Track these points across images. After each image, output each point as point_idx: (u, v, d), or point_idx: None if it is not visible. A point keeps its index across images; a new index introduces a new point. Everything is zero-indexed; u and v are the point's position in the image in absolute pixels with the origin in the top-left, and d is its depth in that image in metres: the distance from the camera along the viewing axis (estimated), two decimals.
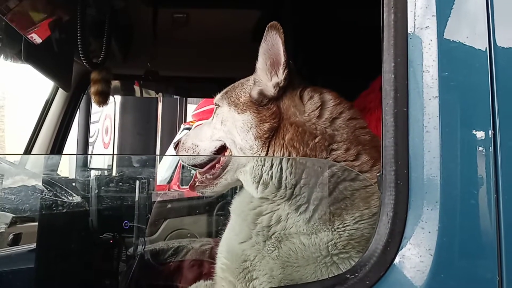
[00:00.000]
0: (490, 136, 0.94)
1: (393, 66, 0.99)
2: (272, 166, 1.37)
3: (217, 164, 1.51)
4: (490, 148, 0.94)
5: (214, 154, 1.52)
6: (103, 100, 2.59)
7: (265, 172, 1.38)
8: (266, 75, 1.47)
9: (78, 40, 2.05)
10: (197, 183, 1.55)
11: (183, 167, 6.36)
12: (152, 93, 4.66)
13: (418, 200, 0.95)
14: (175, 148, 1.62)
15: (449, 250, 0.93)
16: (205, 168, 1.53)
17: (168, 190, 5.92)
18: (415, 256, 0.94)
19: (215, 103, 1.58)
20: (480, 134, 0.95)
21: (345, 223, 1.30)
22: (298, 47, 2.91)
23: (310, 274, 1.27)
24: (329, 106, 1.44)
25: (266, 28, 1.41)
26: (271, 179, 1.37)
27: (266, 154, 1.41)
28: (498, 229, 0.92)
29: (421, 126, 0.96)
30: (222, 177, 1.50)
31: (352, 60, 2.68)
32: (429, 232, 0.93)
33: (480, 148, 0.94)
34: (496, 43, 0.97)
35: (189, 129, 7.05)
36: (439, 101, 0.96)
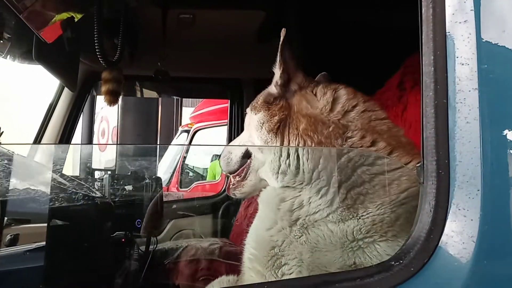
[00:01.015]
0: None
1: (432, 59, 1.02)
2: (288, 155, 1.44)
3: (243, 166, 1.62)
4: None
5: (242, 159, 1.63)
6: (113, 99, 2.60)
7: (282, 161, 1.45)
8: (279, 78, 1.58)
9: (95, 39, 2.06)
10: (230, 186, 1.67)
11: (182, 169, 6.37)
12: (151, 94, 4.67)
13: (460, 189, 0.98)
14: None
15: (491, 237, 0.96)
16: (237, 172, 1.65)
17: (167, 191, 5.91)
18: (458, 243, 0.96)
19: (246, 111, 1.69)
20: None
21: (368, 210, 1.34)
22: (306, 47, 2.95)
23: (337, 257, 1.31)
24: (341, 100, 1.50)
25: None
26: (289, 167, 1.43)
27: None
28: None
29: (461, 117, 0.99)
30: (247, 178, 1.61)
31: (364, 60, 2.71)
32: (471, 220, 0.96)
33: None
34: None
35: (187, 131, 7.05)
36: (479, 93, 0.98)
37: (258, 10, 2.91)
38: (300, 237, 1.38)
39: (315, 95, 1.52)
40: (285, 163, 1.44)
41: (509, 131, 0.98)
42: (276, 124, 1.49)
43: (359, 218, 1.34)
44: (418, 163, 1.06)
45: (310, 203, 1.40)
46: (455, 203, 0.98)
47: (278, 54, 1.53)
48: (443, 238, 0.97)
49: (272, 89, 1.58)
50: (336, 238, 1.33)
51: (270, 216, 1.48)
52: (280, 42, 1.50)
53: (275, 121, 1.49)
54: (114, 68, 2.53)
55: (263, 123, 1.52)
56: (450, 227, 0.97)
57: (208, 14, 2.95)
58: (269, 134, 1.50)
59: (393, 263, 0.98)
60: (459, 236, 0.96)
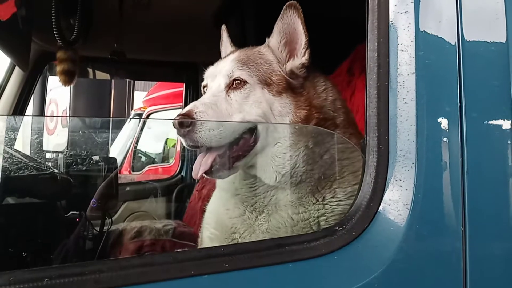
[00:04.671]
0: (457, 107, 1.10)
1: (376, 45, 1.12)
2: (296, 163, 1.41)
3: (243, 146, 1.43)
4: (457, 117, 1.10)
5: (241, 136, 1.43)
6: (69, 79, 2.59)
7: (292, 167, 1.41)
8: (280, 53, 1.50)
9: (53, 17, 2.05)
10: (216, 166, 1.40)
11: (134, 153, 6.32)
12: (104, 76, 4.60)
13: (397, 162, 1.09)
14: (181, 125, 1.37)
15: (422, 204, 1.08)
16: (223, 150, 1.42)
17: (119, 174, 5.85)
18: (394, 210, 1.08)
19: (239, 77, 1.46)
20: (449, 105, 1.10)
21: (338, 197, 1.40)
22: (262, 34, 3.02)
23: None
24: (328, 86, 1.53)
25: (284, 7, 1.44)
26: (289, 169, 1.41)
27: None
28: (463, 186, 1.08)
29: (400, 98, 1.10)
30: (244, 159, 1.43)
31: (318, 47, 2.81)
32: (406, 190, 1.08)
33: (449, 117, 1.10)
34: (463, 29, 1.13)
35: (140, 115, 6.98)
36: (416, 76, 1.10)
37: None
38: (262, 225, 1.42)
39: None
40: (289, 164, 1.40)
41: (441, 111, 1.11)
42: (302, 120, 1.42)
43: (326, 204, 1.39)
44: (361, 139, 1.17)
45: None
46: (393, 175, 1.09)
47: (302, 31, 1.43)
48: (382, 206, 1.09)
49: (295, 68, 1.47)
50: (297, 227, 1.38)
51: (238, 207, 1.48)
52: (302, 19, 1.41)
53: (302, 116, 1.42)
54: (69, 48, 2.51)
55: (288, 113, 1.43)
56: (388, 196, 1.09)
57: None
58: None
59: (337, 228, 1.09)
60: (395, 204, 1.08)
